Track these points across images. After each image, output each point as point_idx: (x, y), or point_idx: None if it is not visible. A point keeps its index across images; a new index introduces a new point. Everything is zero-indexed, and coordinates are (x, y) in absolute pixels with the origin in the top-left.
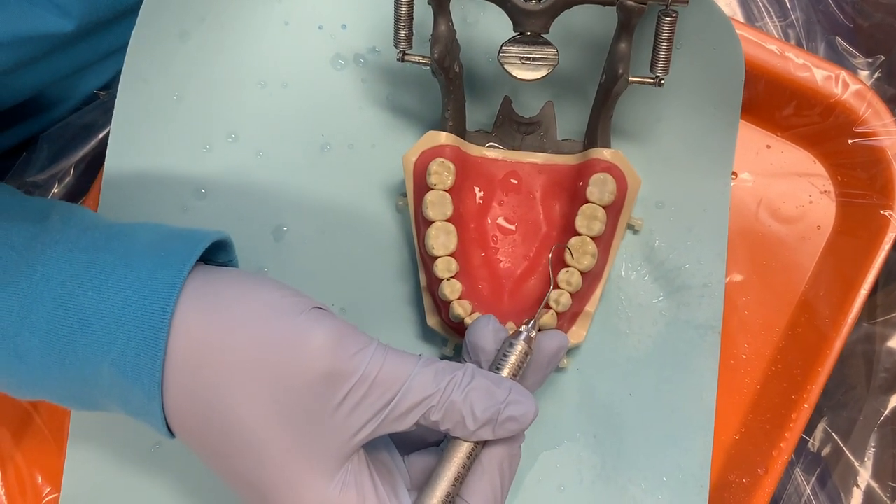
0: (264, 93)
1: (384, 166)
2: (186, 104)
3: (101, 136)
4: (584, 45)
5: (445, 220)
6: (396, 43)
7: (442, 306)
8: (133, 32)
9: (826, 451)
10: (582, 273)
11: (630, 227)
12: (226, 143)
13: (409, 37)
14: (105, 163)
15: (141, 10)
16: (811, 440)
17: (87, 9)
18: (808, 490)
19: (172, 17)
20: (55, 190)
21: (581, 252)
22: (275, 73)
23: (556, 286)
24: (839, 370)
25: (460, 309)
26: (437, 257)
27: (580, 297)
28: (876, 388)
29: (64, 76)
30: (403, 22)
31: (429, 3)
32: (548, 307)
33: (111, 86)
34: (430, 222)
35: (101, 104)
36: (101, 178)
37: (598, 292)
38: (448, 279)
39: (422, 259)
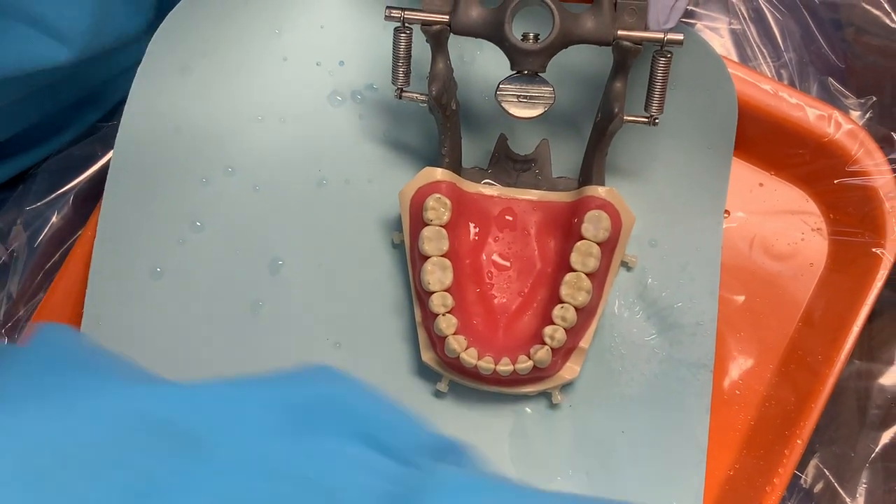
0: (262, 127)
1: (380, 202)
2: (185, 137)
3: (99, 165)
4: (580, 84)
5: (441, 256)
6: (394, 80)
7: (437, 341)
8: (139, 67)
9: (818, 487)
10: (577, 309)
11: (624, 264)
12: (223, 176)
13: (408, 74)
14: (104, 193)
15: (147, 49)
16: (804, 476)
17: (90, 39)
18: None
19: (176, 52)
20: (53, 220)
21: (576, 288)
22: (273, 109)
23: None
24: (831, 407)
25: (455, 344)
26: (432, 292)
27: (575, 332)
28: (868, 424)
29: (65, 106)
30: (402, 59)
31: (427, 41)
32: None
33: (111, 117)
34: (426, 258)
35: (100, 136)
36: (99, 208)
37: (592, 328)
38: (444, 314)
39: (417, 294)
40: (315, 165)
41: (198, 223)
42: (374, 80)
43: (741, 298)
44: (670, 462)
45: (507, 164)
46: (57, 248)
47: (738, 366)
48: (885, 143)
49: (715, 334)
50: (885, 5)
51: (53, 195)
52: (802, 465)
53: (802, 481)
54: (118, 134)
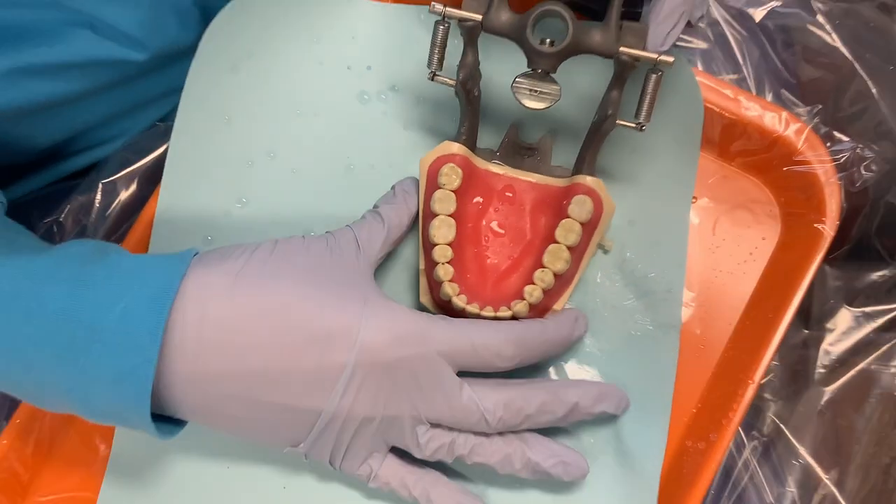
0: (300, 119)
1: None
2: (234, 126)
3: (159, 152)
4: (583, 92)
5: (448, 215)
6: (430, 64)
7: (434, 287)
8: (192, 64)
9: (772, 434)
10: (555, 274)
11: (601, 246)
12: (266, 160)
13: (441, 61)
14: (164, 174)
15: (199, 46)
16: (763, 428)
17: (160, 42)
18: (754, 462)
19: (225, 53)
20: (122, 196)
21: (556, 257)
22: (309, 104)
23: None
24: (784, 369)
25: (449, 289)
26: (436, 244)
27: (550, 295)
28: (814, 383)
29: (131, 107)
30: (438, 47)
31: (461, 34)
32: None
33: (166, 119)
34: (435, 215)
35: (161, 130)
36: (159, 187)
37: (565, 296)
38: (443, 263)
39: (423, 246)
40: (344, 153)
41: (243, 199)
42: (396, 82)
43: (708, 269)
44: (643, 403)
45: (515, 149)
46: (125, 219)
47: (706, 324)
48: (826, 139)
49: (682, 300)
50: (827, 27)
51: (122, 173)
52: (761, 420)
53: (761, 432)
54: (175, 121)
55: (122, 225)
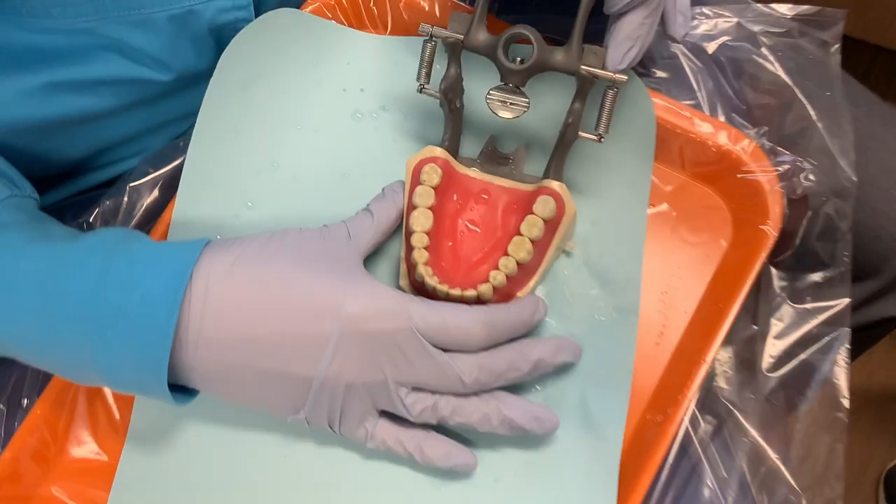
0: (301, 133)
1: None
2: (243, 138)
3: (178, 163)
4: (551, 114)
5: (427, 208)
6: (418, 78)
7: (411, 269)
8: (210, 83)
9: (724, 416)
10: (518, 263)
11: (565, 252)
12: (270, 168)
13: (428, 75)
14: (181, 179)
15: (216, 68)
16: (717, 411)
17: (180, 65)
18: (708, 440)
19: (237, 74)
20: (146, 200)
21: (519, 247)
22: (309, 120)
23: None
24: (737, 361)
25: (423, 271)
26: (414, 231)
27: (513, 282)
28: (762, 371)
29: (153, 127)
30: (426, 64)
31: (445, 51)
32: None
33: (184, 135)
34: (415, 207)
35: (177, 146)
36: (177, 191)
37: (529, 286)
38: (419, 248)
39: (405, 234)
40: (340, 162)
41: (249, 203)
42: (386, 103)
43: (666, 265)
44: (607, 377)
45: (493, 158)
46: (147, 221)
47: (665, 314)
48: (771, 153)
49: (640, 288)
50: (771, 58)
51: (145, 179)
52: (715, 404)
53: (715, 415)
54: (193, 132)
55: (146, 226)
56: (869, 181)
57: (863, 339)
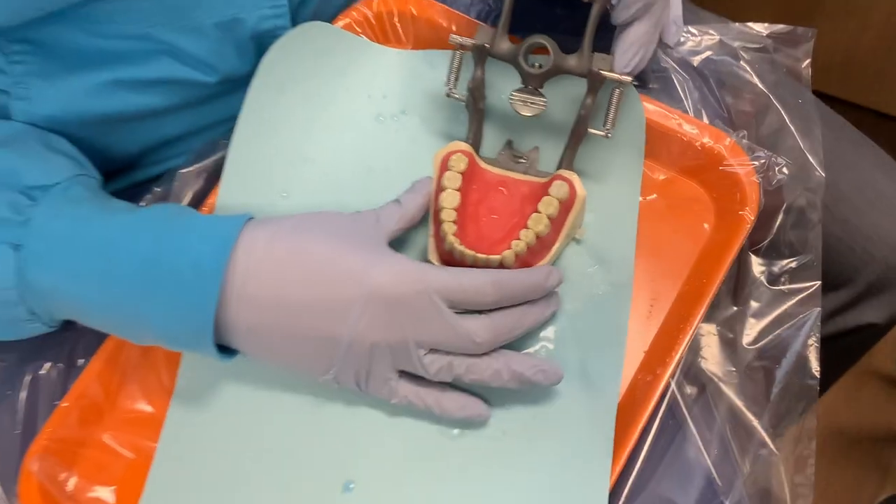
0: (330, 133)
1: (410, 182)
2: (280, 135)
3: (220, 155)
4: (561, 121)
5: (455, 189)
6: (447, 83)
7: (439, 242)
8: (251, 85)
9: (707, 383)
10: (537, 236)
11: (575, 239)
12: (303, 163)
13: (456, 80)
14: (223, 169)
15: (256, 71)
16: (701, 380)
17: (225, 68)
18: (691, 403)
19: (275, 78)
20: (194, 188)
21: (538, 221)
22: (337, 121)
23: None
24: (719, 337)
25: (452, 240)
26: (444, 208)
27: (532, 252)
28: (742, 345)
29: (199, 128)
30: (455, 70)
31: (472, 56)
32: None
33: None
34: (444, 189)
35: (220, 144)
36: (220, 181)
37: (545, 259)
38: (449, 222)
39: (434, 215)
40: (366, 159)
41: (284, 193)
42: (406, 108)
43: (658, 248)
44: (604, 342)
45: (510, 156)
46: (194, 207)
47: (656, 290)
48: (749, 151)
49: (633, 266)
50: (749, 70)
51: (193, 167)
52: (700, 375)
53: (699, 383)
54: (235, 128)
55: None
56: (841, 198)
57: (841, 350)
